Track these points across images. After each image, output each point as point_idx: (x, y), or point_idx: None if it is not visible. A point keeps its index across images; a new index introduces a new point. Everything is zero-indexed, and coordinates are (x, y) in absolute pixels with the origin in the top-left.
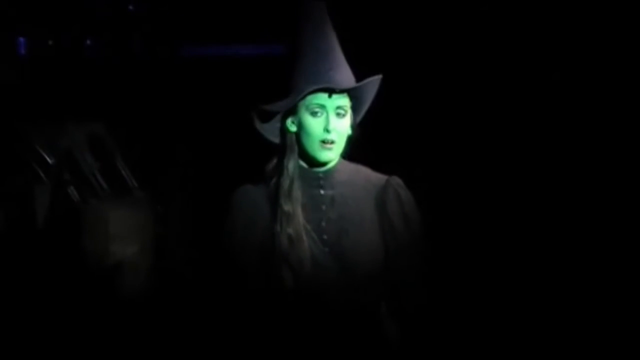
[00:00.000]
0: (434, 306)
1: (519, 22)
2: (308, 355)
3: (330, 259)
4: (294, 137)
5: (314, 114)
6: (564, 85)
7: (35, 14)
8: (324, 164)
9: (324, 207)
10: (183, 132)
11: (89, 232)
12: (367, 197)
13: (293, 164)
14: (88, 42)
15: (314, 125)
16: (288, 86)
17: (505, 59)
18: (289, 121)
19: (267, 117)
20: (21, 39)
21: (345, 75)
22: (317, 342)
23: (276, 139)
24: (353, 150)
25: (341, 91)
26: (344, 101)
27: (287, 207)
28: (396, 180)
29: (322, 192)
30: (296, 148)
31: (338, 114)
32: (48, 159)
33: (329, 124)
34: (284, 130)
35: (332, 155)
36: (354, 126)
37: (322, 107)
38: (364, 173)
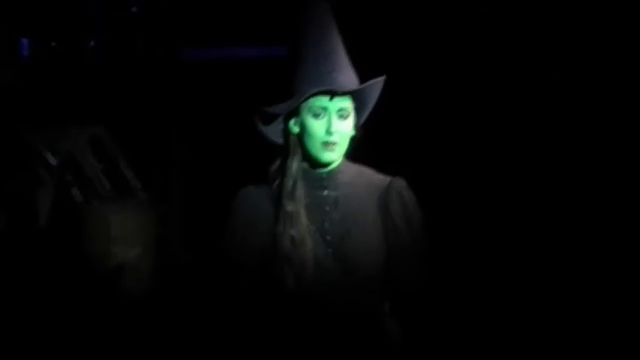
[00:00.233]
0: (436, 307)
1: (519, 22)
2: (310, 356)
3: (334, 260)
4: (296, 138)
5: (316, 116)
6: (564, 85)
7: (37, 16)
8: (327, 165)
9: (327, 208)
10: (184, 134)
11: (91, 234)
12: (370, 199)
13: (296, 165)
14: (91, 44)
15: (317, 127)
16: (291, 88)
17: (505, 59)
18: (291, 123)
19: (269, 119)
20: (24, 41)
21: (348, 77)
22: (320, 343)
23: (279, 141)
24: (356, 151)
25: (343, 94)
26: (346, 103)
27: (290, 208)
28: (399, 182)
29: (325, 193)
30: (299, 150)
31: (341, 116)
32: (50, 161)
33: (332, 127)
34: (287, 132)
35: (334, 156)
36: (357, 127)
37: (325, 109)
38: (367, 174)
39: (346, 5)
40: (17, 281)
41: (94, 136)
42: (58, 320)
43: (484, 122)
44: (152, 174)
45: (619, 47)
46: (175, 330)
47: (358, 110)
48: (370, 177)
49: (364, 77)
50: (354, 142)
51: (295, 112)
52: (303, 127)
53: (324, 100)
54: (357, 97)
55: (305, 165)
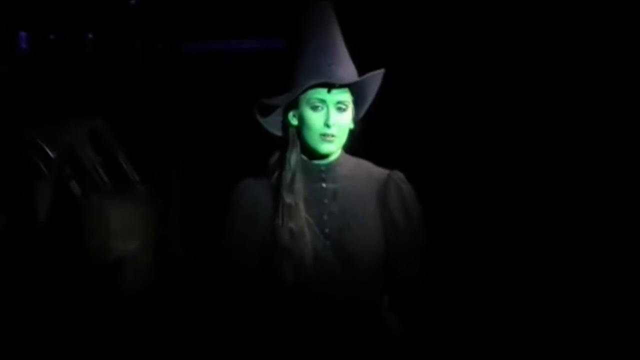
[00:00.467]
0: (434, 300)
1: (519, 22)
2: (309, 350)
3: (332, 252)
4: (295, 131)
5: (314, 108)
6: (564, 85)
7: (36, 9)
8: (325, 156)
9: (326, 201)
10: (183, 127)
11: (90, 228)
12: (368, 191)
13: (295, 157)
14: (89, 36)
15: (315, 119)
16: (290, 80)
17: (505, 56)
18: (290, 115)
19: (268, 111)
20: (22, 34)
21: (346, 70)
22: (319, 336)
23: (279, 133)
24: (355, 144)
25: (341, 86)
26: (344, 96)
27: (288, 199)
28: (398, 175)
29: (324, 185)
30: (298, 142)
31: (339, 109)
32: (50, 154)
33: (330, 119)
34: (285, 124)
35: (332, 148)
36: (355, 120)
37: (323, 101)
38: (365, 167)
39: (345, 1)
40: (17, 274)
41: (93, 129)
42: (58, 313)
43: (484, 117)
44: (151, 167)
45: (619, 47)
46: (175, 323)
47: (357, 103)
48: (368, 170)
49: (363, 71)
50: (353, 135)
51: (294, 104)
52: (301, 119)
53: (322, 93)
54: (356, 90)
55: (304, 157)
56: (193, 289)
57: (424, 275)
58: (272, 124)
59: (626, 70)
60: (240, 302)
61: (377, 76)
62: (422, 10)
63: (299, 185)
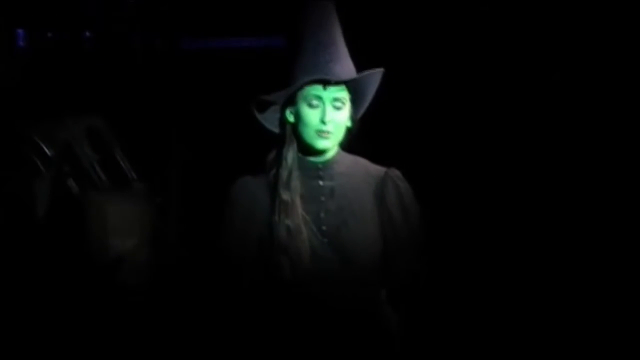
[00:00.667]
0: (432, 297)
1: (519, 22)
2: (307, 346)
3: (329, 250)
4: (292, 127)
5: (310, 105)
6: (564, 85)
7: (34, 7)
8: (321, 152)
9: (323, 199)
10: (181, 125)
11: (87, 226)
12: (366, 189)
13: (292, 154)
14: (87, 34)
15: (311, 116)
16: (289, 77)
17: (505, 56)
18: (287, 112)
19: (266, 107)
20: (20, 31)
21: (344, 67)
22: (316, 333)
23: (276, 130)
24: (353, 143)
25: (337, 83)
26: (341, 94)
27: (285, 196)
28: (395, 172)
29: (321, 183)
30: (294, 139)
31: (335, 106)
32: (47, 151)
33: (325, 116)
34: (283, 121)
35: (328, 144)
36: (353, 120)
37: (319, 98)
38: (362, 165)
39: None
40: (14, 272)
41: (90, 126)
42: (56, 311)
43: (482, 116)
44: (150, 164)
45: (619, 47)
46: (173, 320)
47: (355, 103)
48: (365, 168)
49: (361, 71)
50: (350, 134)
51: (292, 101)
52: (298, 116)
53: (318, 89)
54: (354, 89)
55: (301, 155)
56: (192, 287)
57: (424, 273)
58: (270, 121)
59: (626, 70)
60: (239, 298)
61: (375, 75)
62: (421, 12)
63: (296, 182)
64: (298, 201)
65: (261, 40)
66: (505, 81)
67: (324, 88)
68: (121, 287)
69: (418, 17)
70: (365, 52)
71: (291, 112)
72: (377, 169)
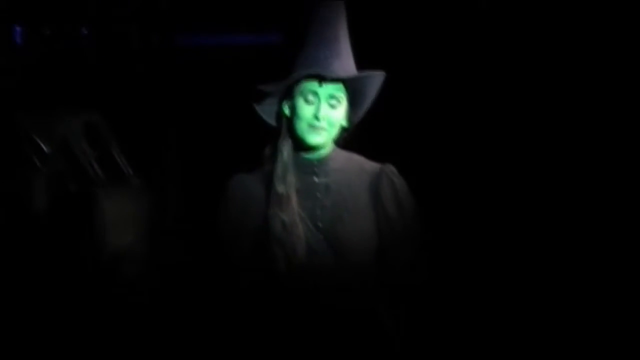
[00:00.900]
0: (428, 293)
1: (519, 21)
2: (303, 342)
3: (325, 246)
4: (288, 121)
5: (306, 100)
6: (564, 85)
7: (32, 3)
8: (314, 148)
9: (318, 195)
10: (177, 121)
11: (84, 221)
12: (361, 185)
13: (287, 148)
14: (84, 31)
15: (305, 110)
16: (290, 70)
17: (504, 55)
18: (285, 105)
19: (263, 99)
20: (17, 28)
21: (344, 65)
22: (312, 329)
23: (274, 123)
24: (348, 139)
25: (332, 80)
26: (337, 91)
27: (280, 189)
28: (390, 168)
29: (316, 179)
30: (289, 133)
31: (330, 104)
32: (44, 148)
33: (319, 111)
34: (279, 114)
35: (320, 140)
36: (350, 120)
37: (315, 94)
38: (357, 161)
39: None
40: (12, 269)
41: (88, 122)
42: (54, 308)
43: (475, 111)
44: (147, 160)
45: (619, 48)
46: (171, 316)
47: (354, 104)
48: (360, 164)
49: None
50: (346, 134)
51: (290, 95)
52: (293, 110)
53: (314, 85)
54: (353, 90)
55: (296, 151)
56: (189, 283)
57: (423, 269)
58: (268, 113)
59: (626, 70)
60: (235, 294)
61: (375, 78)
62: (421, 12)
63: (291, 177)
64: (293, 196)
65: (257, 37)
66: (498, 75)
67: (320, 84)
68: (118, 282)
69: (416, 15)
70: (364, 51)
71: (288, 106)
72: (372, 165)
